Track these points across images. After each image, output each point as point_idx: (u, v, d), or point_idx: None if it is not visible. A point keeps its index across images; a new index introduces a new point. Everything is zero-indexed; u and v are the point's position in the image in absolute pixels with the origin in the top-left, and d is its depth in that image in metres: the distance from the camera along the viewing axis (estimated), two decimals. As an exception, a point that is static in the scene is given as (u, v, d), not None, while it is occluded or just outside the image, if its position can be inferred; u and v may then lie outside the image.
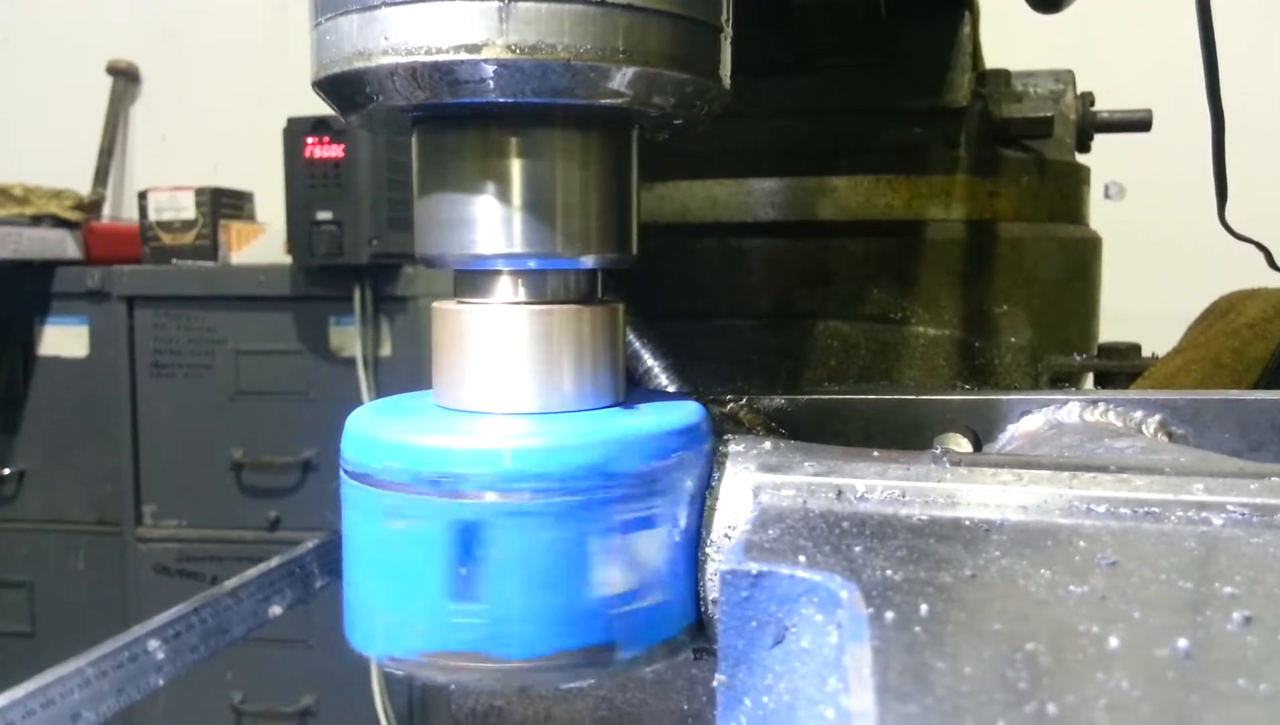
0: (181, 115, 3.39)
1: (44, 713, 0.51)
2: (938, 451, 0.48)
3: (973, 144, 0.84)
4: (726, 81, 0.49)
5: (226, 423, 2.42)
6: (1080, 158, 0.99)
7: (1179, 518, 0.41)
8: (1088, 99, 0.99)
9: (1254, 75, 2.11)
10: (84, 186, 3.03)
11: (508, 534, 0.44)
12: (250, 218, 2.78)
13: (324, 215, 2.24)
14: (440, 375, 0.51)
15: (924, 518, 0.43)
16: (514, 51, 0.42)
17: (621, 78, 0.44)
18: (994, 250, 0.84)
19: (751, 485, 0.48)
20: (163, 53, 3.39)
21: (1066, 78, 0.98)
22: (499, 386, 0.49)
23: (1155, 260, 2.43)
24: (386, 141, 2.18)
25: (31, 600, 2.58)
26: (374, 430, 0.48)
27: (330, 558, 0.74)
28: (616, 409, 0.51)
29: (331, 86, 0.47)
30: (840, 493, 0.45)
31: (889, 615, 0.32)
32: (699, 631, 0.49)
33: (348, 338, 2.34)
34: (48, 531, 2.56)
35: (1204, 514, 0.41)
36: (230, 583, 0.65)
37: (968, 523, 0.42)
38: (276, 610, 0.68)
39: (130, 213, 2.98)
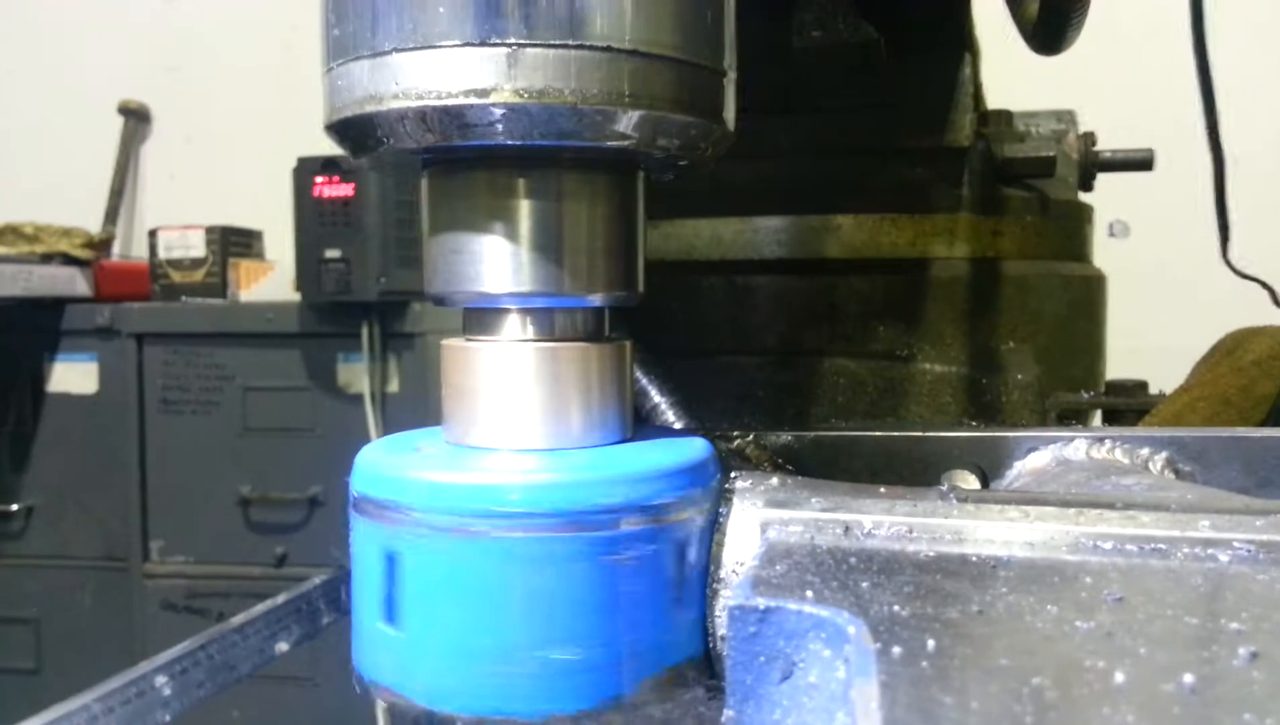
0: (191, 154, 3.42)
1: (51, 749, 0.51)
2: (945, 488, 0.48)
3: (976, 183, 0.85)
4: (731, 123, 0.50)
5: (234, 459, 2.42)
6: (1083, 196, 1.00)
7: (1185, 554, 0.41)
8: (1090, 139, 1.00)
9: (1256, 112, 2.12)
10: (94, 225, 3.06)
11: (516, 571, 0.44)
12: (259, 256, 2.80)
13: (332, 253, 2.25)
14: (449, 412, 0.52)
15: (931, 554, 0.43)
16: (522, 96, 0.43)
17: (627, 121, 0.45)
18: (999, 288, 0.85)
19: (759, 521, 0.48)
20: (173, 92, 3.43)
21: (1068, 118, 0.99)
22: (508, 423, 0.50)
23: (1161, 298, 2.44)
24: (395, 180, 2.19)
25: (38, 636, 2.58)
26: (384, 466, 0.49)
27: (337, 594, 0.74)
28: (624, 445, 0.51)
29: (343, 129, 0.48)
30: (847, 529, 0.46)
31: (896, 650, 0.32)
32: (707, 668, 0.49)
33: (355, 374, 2.35)
34: (55, 567, 2.56)
35: (1210, 551, 0.41)
36: (237, 619, 0.65)
37: (975, 559, 0.42)
38: (283, 647, 0.68)
39: (140, 251, 3.01)
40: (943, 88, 0.83)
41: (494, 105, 0.43)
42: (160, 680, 0.58)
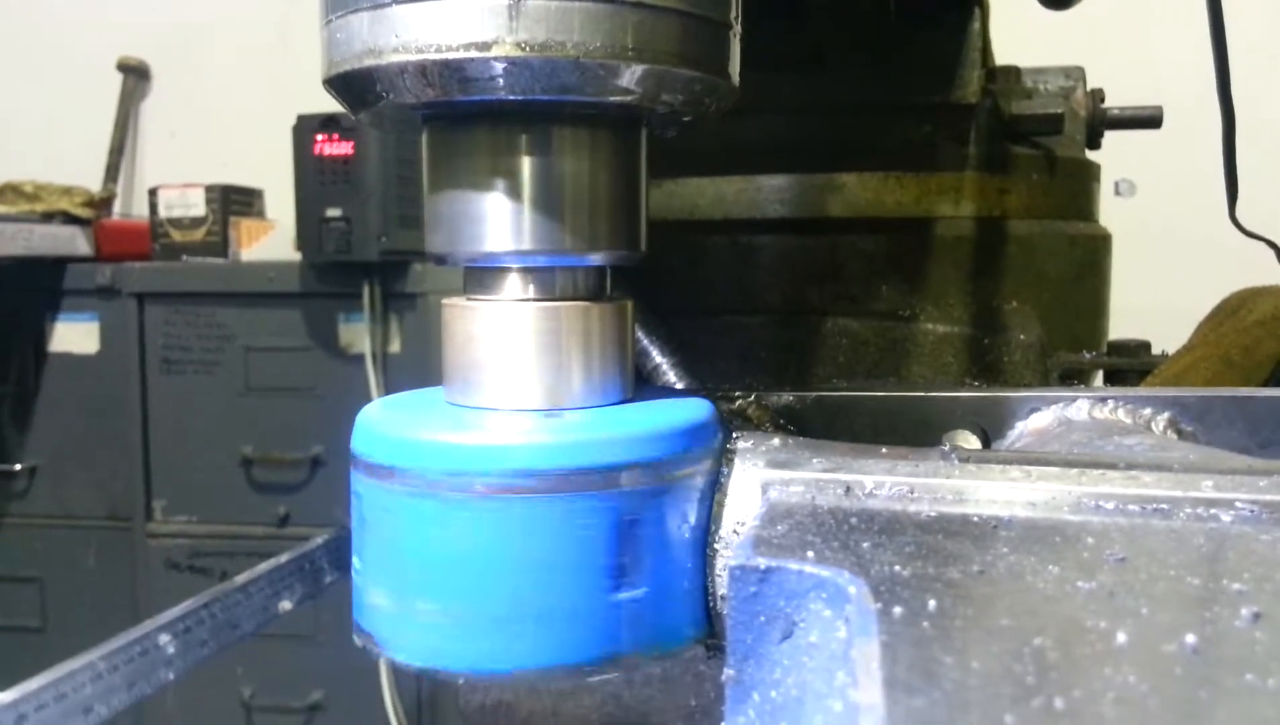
0: (191, 112, 3.40)
1: (56, 706, 0.52)
2: (946, 448, 0.48)
3: (982, 141, 0.84)
4: (735, 79, 0.49)
5: (236, 419, 2.42)
6: (1090, 154, 0.99)
7: (1188, 514, 0.41)
8: (1098, 95, 0.99)
9: (1265, 72, 2.10)
10: (95, 183, 3.05)
11: (516, 530, 0.44)
12: (260, 215, 2.79)
13: (333, 212, 2.24)
14: (450, 372, 0.52)
15: (932, 514, 0.43)
16: (524, 49, 0.42)
17: (631, 75, 0.44)
18: (1003, 247, 0.84)
19: (760, 481, 0.48)
20: (173, 49, 3.40)
21: (1076, 74, 0.98)
22: (508, 383, 0.49)
23: (1165, 257, 2.43)
24: (396, 138, 2.18)
25: (42, 595, 2.60)
26: (385, 425, 0.48)
27: (340, 553, 0.74)
28: (626, 405, 0.51)
29: (342, 84, 0.47)
30: (849, 489, 0.45)
31: (897, 610, 0.32)
32: (707, 627, 0.49)
33: (357, 334, 2.34)
34: (58, 527, 2.58)
35: (1213, 511, 0.41)
36: (240, 578, 0.65)
37: (976, 519, 0.42)
38: (286, 605, 0.68)
39: (141, 209, 2.99)
40: (951, 42, 0.82)
41: (495, 59, 0.42)
42: (164, 639, 0.58)
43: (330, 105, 0.52)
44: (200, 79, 3.38)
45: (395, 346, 2.35)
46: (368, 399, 0.56)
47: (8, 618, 2.60)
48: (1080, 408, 0.61)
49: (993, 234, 0.84)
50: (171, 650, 0.59)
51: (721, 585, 0.48)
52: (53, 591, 2.60)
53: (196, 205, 2.60)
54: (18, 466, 2.57)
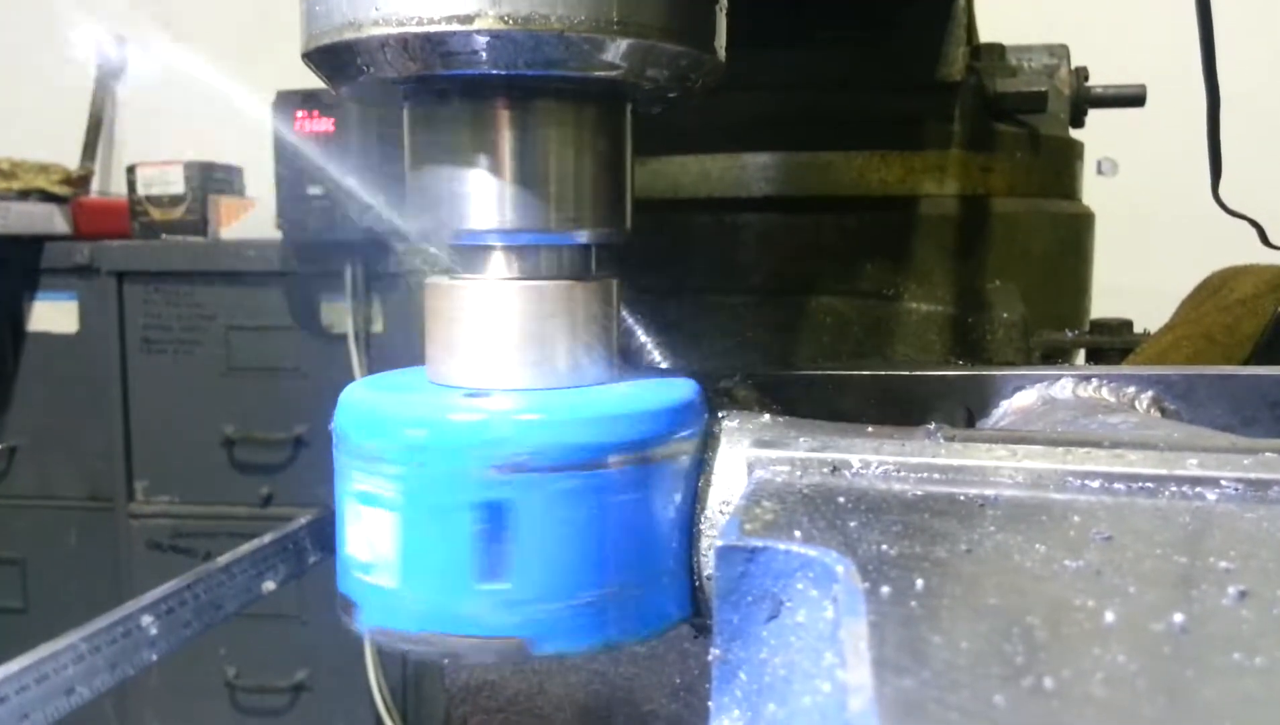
0: (170, 89, 3.36)
1: (38, 687, 0.51)
2: (932, 427, 0.48)
3: (967, 119, 0.84)
4: (721, 54, 0.49)
5: (218, 399, 2.41)
6: (1074, 133, 0.99)
7: (1173, 493, 0.41)
8: (1082, 74, 0.99)
9: (1249, 51, 2.10)
10: (72, 161, 3.01)
11: (499, 510, 0.44)
12: (240, 193, 2.76)
13: (315, 190, 2.22)
14: (433, 351, 0.51)
15: (919, 493, 0.43)
16: (507, 22, 0.41)
17: (616, 49, 0.44)
18: (987, 226, 0.84)
19: (746, 461, 0.47)
20: (151, 26, 3.35)
21: (1061, 52, 0.98)
22: (492, 362, 0.49)
23: (1148, 236, 2.43)
24: (377, 114, 2.16)
25: (23, 576, 2.58)
26: (367, 405, 0.48)
27: (323, 533, 0.74)
28: (611, 385, 0.51)
29: (321, 58, 0.46)
30: (835, 468, 0.45)
31: (885, 590, 0.32)
32: (693, 607, 0.49)
33: (339, 314, 2.33)
34: (39, 507, 2.56)
35: (1198, 489, 0.41)
36: (223, 558, 0.65)
37: (962, 498, 0.42)
38: (270, 586, 0.68)
39: (119, 187, 2.96)
40: (936, 20, 0.82)
41: (478, 32, 0.42)
42: (147, 619, 0.58)
43: (311, 81, 0.51)
44: (178, 55, 3.34)
45: (378, 326, 2.33)
46: (350, 379, 0.55)
47: (-11, 599, 2.59)
48: (1064, 386, 0.61)
49: (976, 212, 0.84)
50: (154, 631, 0.58)
51: (708, 565, 0.48)
52: (34, 572, 2.58)
53: (175, 183, 2.57)
54: (-3, 447, 2.55)
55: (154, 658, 0.58)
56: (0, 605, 2.58)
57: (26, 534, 2.57)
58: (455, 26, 0.42)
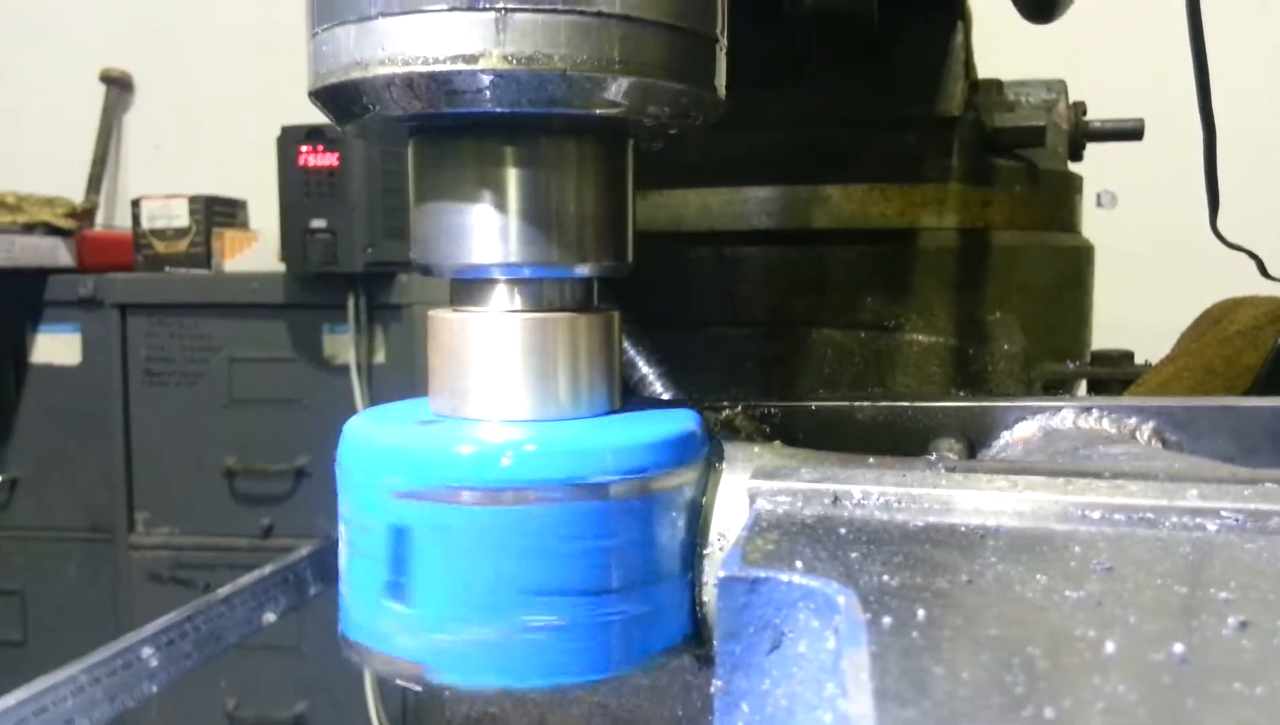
0: (175, 123, 3.39)
1: (37, 720, 0.51)
2: (933, 458, 0.48)
3: (966, 153, 0.84)
4: (721, 91, 0.50)
5: (219, 430, 2.41)
6: (1072, 166, 1.00)
7: (1173, 523, 0.41)
8: (1080, 108, 1.00)
9: (1246, 84, 2.12)
10: (77, 194, 3.03)
11: (503, 542, 0.44)
12: (244, 226, 2.78)
13: (318, 223, 2.24)
14: (436, 383, 0.51)
15: (920, 524, 0.43)
16: (510, 62, 0.42)
17: (617, 88, 0.44)
18: (987, 258, 0.85)
19: (748, 491, 0.48)
20: (156, 60, 3.39)
21: (1059, 87, 0.99)
22: (495, 394, 0.49)
23: (1147, 268, 2.44)
24: (381, 150, 2.18)
25: (23, 608, 2.57)
26: (371, 436, 0.48)
27: (324, 564, 0.74)
28: (613, 416, 0.51)
29: (328, 96, 0.47)
30: (836, 499, 0.45)
31: (886, 620, 0.32)
32: (695, 637, 0.49)
33: (341, 346, 2.34)
34: (40, 539, 2.55)
35: (1198, 520, 0.41)
36: (224, 590, 0.65)
37: (963, 529, 0.42)
38: (270, 617, 0.68)
39: (123, 221, 2.98)
40: (934, 55, 0.82)
41: (482, 71, 0.42)
42: (147, 651, 0.58)
43: (315, 116, 0.52)
44: (183, 90, 3.37)
45: (380, 357, 2.34)
46: (353, 410, 0.56)
47: (-11, 631, 2.58)
48: (1065, 417, 0.61)
49: (976, 245, 0.84)
50: (154, 663, 0.58)
51: (709, 596, 0.48)
52: (34, 604, 2.57)
53: (180, 216, 2.59)
54: (-1, 478, 2.55)
55: (154, 689, 0.58)
56: (0, 637, 2.57)
57: (26, 566, 2.56)
58: (460, 66, 0.42)
